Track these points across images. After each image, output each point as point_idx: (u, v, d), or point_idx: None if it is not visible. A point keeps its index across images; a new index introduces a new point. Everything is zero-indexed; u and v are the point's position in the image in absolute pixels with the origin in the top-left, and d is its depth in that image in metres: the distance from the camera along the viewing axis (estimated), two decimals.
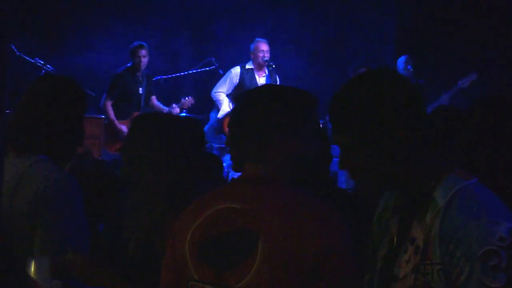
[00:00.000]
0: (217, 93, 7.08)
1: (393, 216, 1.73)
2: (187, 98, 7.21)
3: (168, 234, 1.93)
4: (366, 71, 1.72)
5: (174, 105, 7.18)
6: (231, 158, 2.13)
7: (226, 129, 6.52)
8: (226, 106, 6.99)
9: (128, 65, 7.10)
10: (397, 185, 1.66)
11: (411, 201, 1.66)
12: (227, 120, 6.61)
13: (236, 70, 7.05)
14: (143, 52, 7.01)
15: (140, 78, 7.12)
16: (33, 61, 6.42)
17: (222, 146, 6.79)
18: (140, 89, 7.10)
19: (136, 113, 7.00)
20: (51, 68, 6.47)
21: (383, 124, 1.58)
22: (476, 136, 2.10)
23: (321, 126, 4.18)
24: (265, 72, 7.06)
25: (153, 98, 7.31)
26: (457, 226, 1.52)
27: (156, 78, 7.45)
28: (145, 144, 2.22)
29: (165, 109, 7.17)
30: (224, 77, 7.12)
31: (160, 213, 2.19)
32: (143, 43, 7.07)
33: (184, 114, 7.40)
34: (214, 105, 7.21)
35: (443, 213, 1.56)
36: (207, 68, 7.47)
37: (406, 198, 1.68)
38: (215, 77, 7.27)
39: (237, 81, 7.01)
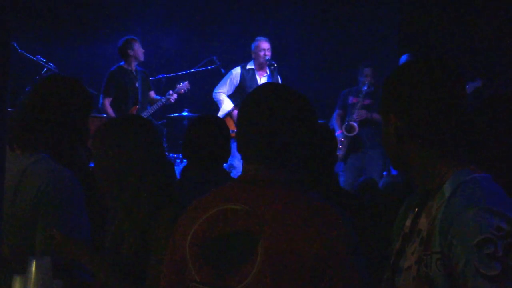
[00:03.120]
0: (218, 93, 7.04)
1: (410, 214, 1.75)
2: (182, 84, 7.18)
3: (160, 237, 1.97)
4: (421, 59, 1.76)
5: (170, 92, 7.15)
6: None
7: None
8: (226, 106, 6.95)
9: (121, 63, 7.06)
10: (412, 175, 1.71)
11: (424, 195, 1.68)
12: (227, 120, 6.59)
13: (237, 70, 6.99)
14: (136, 45, 7.00)
15: (135, 73, 7.10)
16: (35, 58, 6.40)
17: None
18: (136, 83, 7.08)
19: (135, 108, 7.00)
20: (52, 66, 6.45)
21: (394, 110, 1.67)
22: (482, 136, 2.12)
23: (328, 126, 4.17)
24: (266, 72, 7.00)
25: (152, 93, 7.28)
26: (455, 214, 1.53)
27: (157, 77, 7.43)
28: (112, 156, 2.22)
29: (162, 99, 7.15)
30: (225, 77, 7.08)
31: (145, 219, 2.19)
32: (134, 37, 7.04)
33: (185, 112, 7.40)
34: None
35: (446, 203, 1.57)
36: (209, 67, 7.45)
37: (421, 192, 1.71)
38: (217, 76, 7.24)
39: (238, 81, 6.95)
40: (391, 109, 1.67)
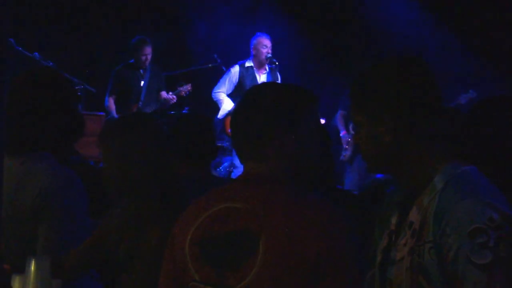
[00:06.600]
0: (217, 93, 6.98)
1: (395, 212, 1.76)
2: (183, 86, 7.11)
3: (161, 236, 1.95)
4: (393, 56, 1.77)
5: (170, 93, 7.10)
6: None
7: (228, 129, 6.46)
8: (226, 106, 6.89)
9: (130, 61, 7.03)
10: (398, 172, 1.72)
11: (412, 189, 1.70)
12: (228, 120, 6.55)
13: (235, 69, 6.90)
14: (148, 49, 6.90)
15: (142, 72, 7.05)
16: (33, 55, 6.36)
17: (224, 145, 6.73)
18: (142, 82, 7.03)
19: (135, 106, 6.97)
20: (51, 63, 6.40)
21: (388, 108, 1.67)
22: (479, 135, 2.15)
23: (323, 125, 4.15)
24: (265, 70, 6.95)
25: (163, 93, 7.19)
26: (449, 204, 1.56)
27: None
28: (119, 154, 2.19)
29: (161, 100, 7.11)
30: (224, 76, 6.99)
31: (148, 218, 2.18)
32: (147, 39, 6.96)
33: (186, 111, 7.37)
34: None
35: (439, 195, 1.60)
36: (210, 65, 7.39)
37: (409, 187, 1.71)
38: (218, 74, 7.19)
39: (237, 80, 6.88)
40: (383, 108, 1.67)
